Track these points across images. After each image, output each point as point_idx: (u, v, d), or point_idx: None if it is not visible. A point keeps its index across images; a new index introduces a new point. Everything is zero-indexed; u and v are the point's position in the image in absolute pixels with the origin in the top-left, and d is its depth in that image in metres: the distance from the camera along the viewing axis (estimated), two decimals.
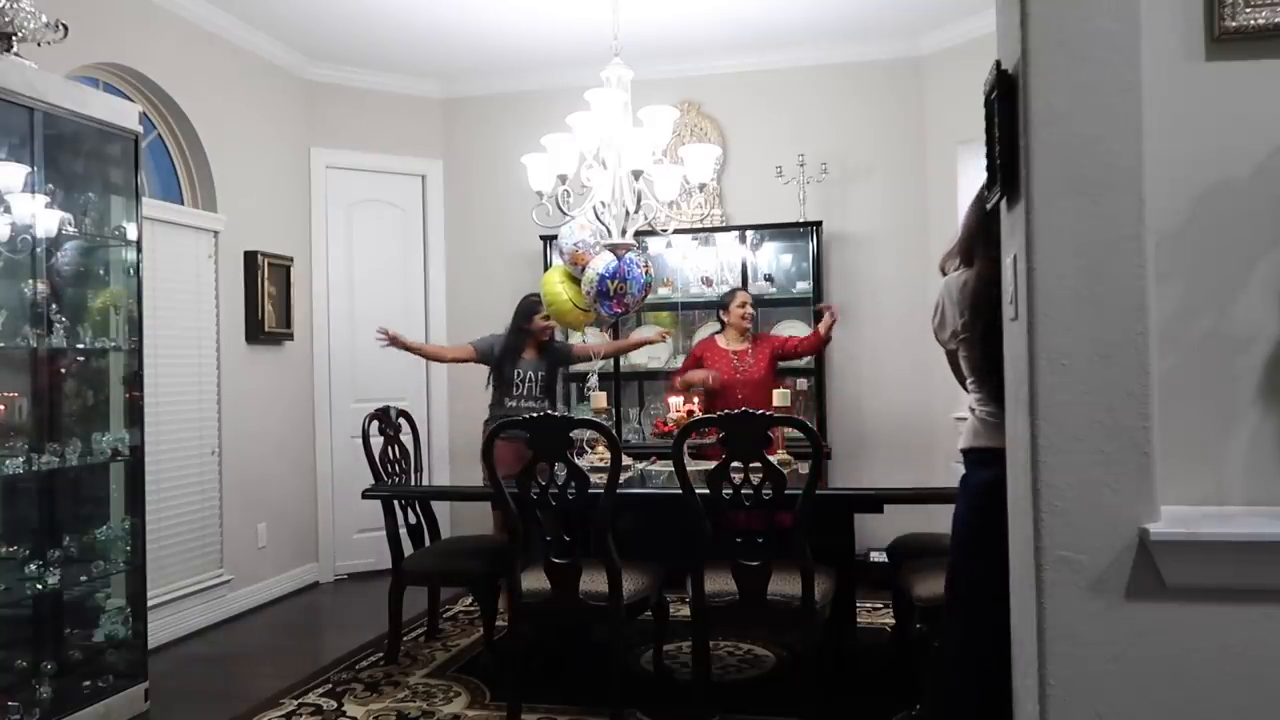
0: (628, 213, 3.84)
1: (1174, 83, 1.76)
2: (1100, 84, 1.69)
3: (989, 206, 2.08)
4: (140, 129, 3.63)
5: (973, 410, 2.33)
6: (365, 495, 3.91)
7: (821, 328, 4.67)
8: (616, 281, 4.00)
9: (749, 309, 4.73)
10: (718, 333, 4.85)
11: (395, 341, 4.54)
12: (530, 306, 4.71)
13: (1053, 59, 1.71)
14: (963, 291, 2.27)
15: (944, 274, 2.41)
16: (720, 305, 4.83)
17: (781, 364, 4.87)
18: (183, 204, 4.77)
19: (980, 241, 2.23)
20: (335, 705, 3.51)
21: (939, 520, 3.15)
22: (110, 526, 3.56)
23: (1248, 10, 1.74)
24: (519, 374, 4.65)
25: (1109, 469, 1.69)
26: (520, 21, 5.01)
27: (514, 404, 4.60)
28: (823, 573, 3.19)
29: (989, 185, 2.01)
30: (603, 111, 3.79)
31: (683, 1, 4.80)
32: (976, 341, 2.23)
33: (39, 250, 3.20)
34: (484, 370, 4.80)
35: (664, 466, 4.06)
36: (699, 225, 5.52)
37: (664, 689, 3.62)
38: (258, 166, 5.20)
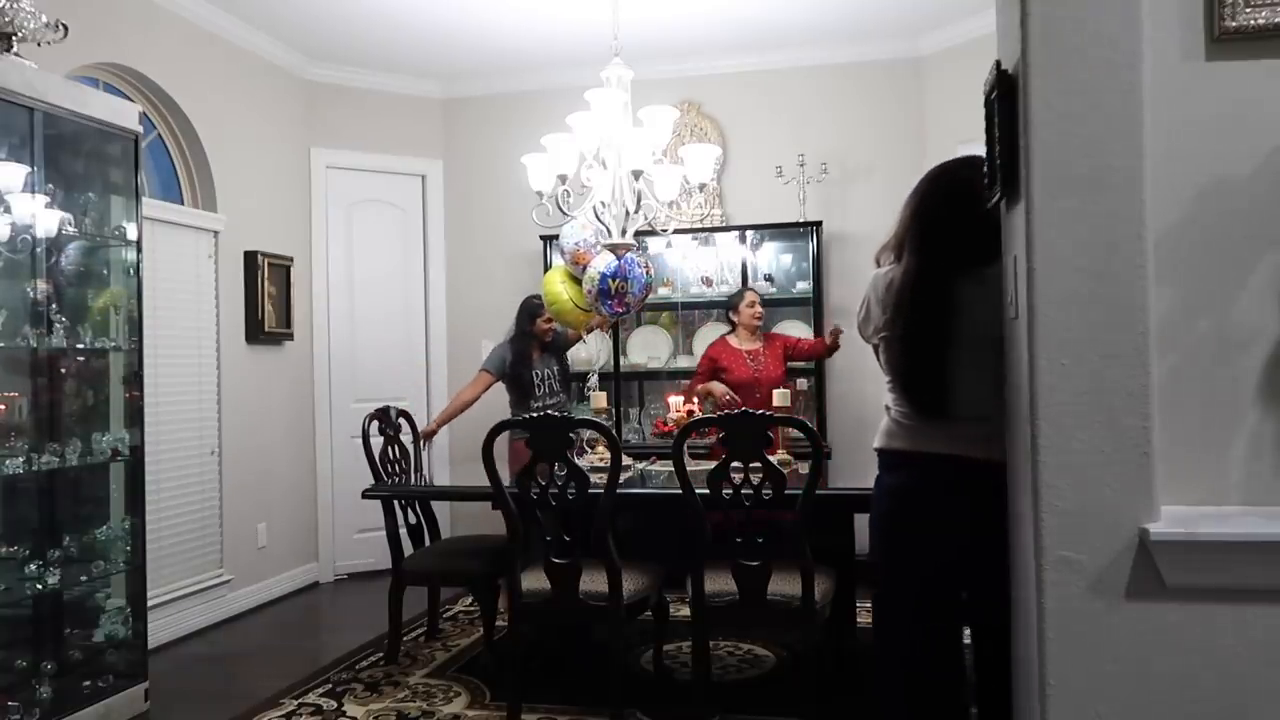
0: (628, 213, 3.84)
1: (1174, 83, 1.76)
2: (1100, 84, 1.69)
3: (989, 206, 2.08)
4: (140, 129, 3.63)
5: (888, 409, 2.27)
6: (365, 495, 3.91)
7: (829, 339, 4.70)
8: (618, 281, 4.00)
9: (758, 308, 4.73)
10: (728, 334, 4.84)
11: (432, 435, 4.70)
12: (533, 309, 4.73)
13: (1053, 59, 1.71)
14: (889, 289, 2.21)
15: (878, 265, 2.36)
16: (729, 306, 4.83)
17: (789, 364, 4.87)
18: (183, 204, 4.77)
19: (911, 239, 2.19)
20: (335, 705, 3.51)
21: None
22: (110, 526, 3.56)
23: (1248, 10, 1.74)
24: (536, 375, 4.69)
25: (1109, 469, 1.69)
26: (520, 21, 5.01)
27: (539, 404, 4.62)
28: (823, 573, 3.19)
29: (989, 185, 2.01)
30: (603, 111, 3.78)
31: (683, 1, 4.80)
32: (896, 340, 2.18)
33: (39, 250, 3.20)
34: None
35: (664, 466, 4.06)
36: (699, 225, 5.52)
37: (664, 689, 3.62)
38: (258, 166, 5.20)
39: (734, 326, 4.78)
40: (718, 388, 4.54)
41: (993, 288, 2.04)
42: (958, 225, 2.11)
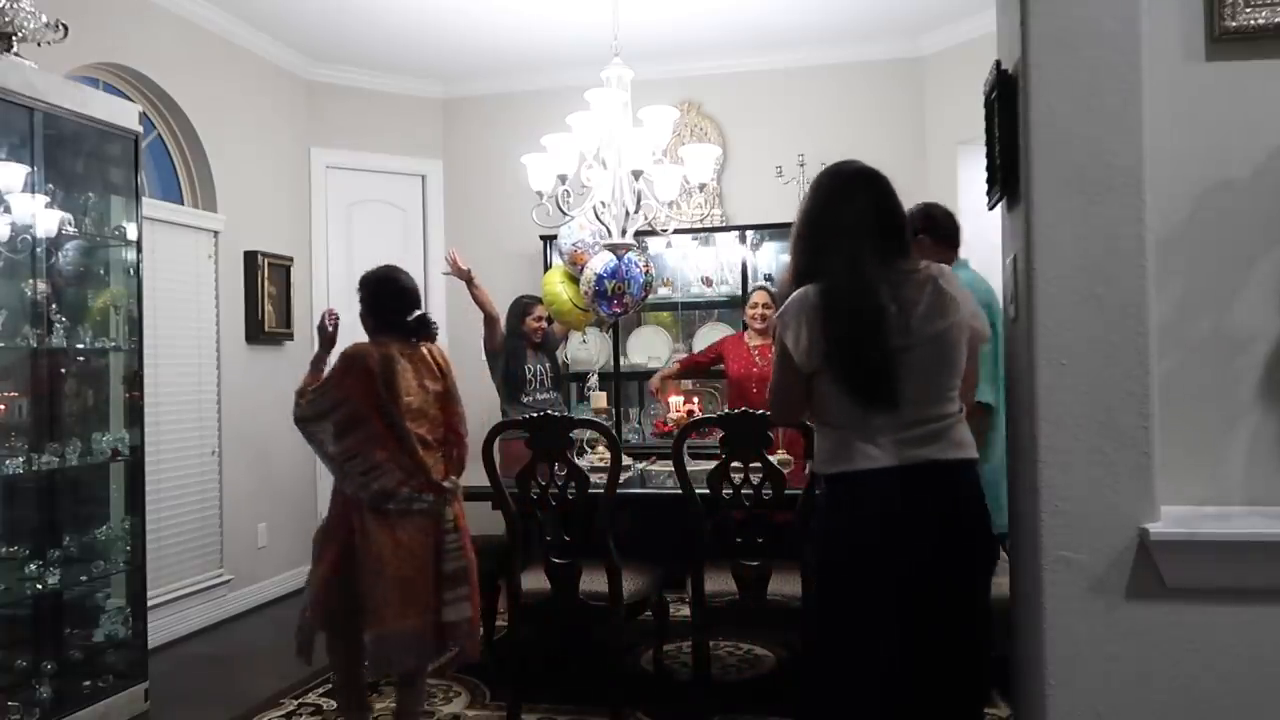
0: (628, 213, 3.84)
1: (1174, 83, 1.77)
2: (1100, 84, 1.69)
3: (990, 207, 2.08)
4: (140, 129, 3.63)
5: (825, 430, 2.09)
6: None
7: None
8: (615, 282, 4.00)
9: (759, 309, 4.71)
10: (744, 330, 4.85)
11: (466, 275, 4.59)
12: (522, 309, 4.75)
13: (1053, 59, 1.71)
14: (812, 303, 2.01)
15: (779, 298, 2.14)
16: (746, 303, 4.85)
17: None
18: (183, 204, 4.77)
19: (823, 244, 2.03)
20: (335, 705, 3.51)
21: None
22: (110, 526, 3.56)
23: (1248, 10, 1.74)
24: (528, 370, 4.71)
25: (1109, 469, 1.69)
26: (520, 22, 5.01)
27: (529, 399, 4.63)
28: None
29: (989, 185, 2.01)
30: (603, 111, 3.79)
31: (683, 2, 4.80)
32: (841, 343, 1.98)
33: (39, 250, 3.20)
34: (481, 368, 4.84)
35: (664, 466, 4.06)
36: (699, 225, 5.52)
37: (664, 689, 3.62)
38: (258, 166, 5.20)
39: (745, 325, 4.80)
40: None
41: (920, 284, 1.97)
42: (868, 218, 2.01)
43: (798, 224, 2.11)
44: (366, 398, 2.79)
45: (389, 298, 2.98)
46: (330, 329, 3.07)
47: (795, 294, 2.06)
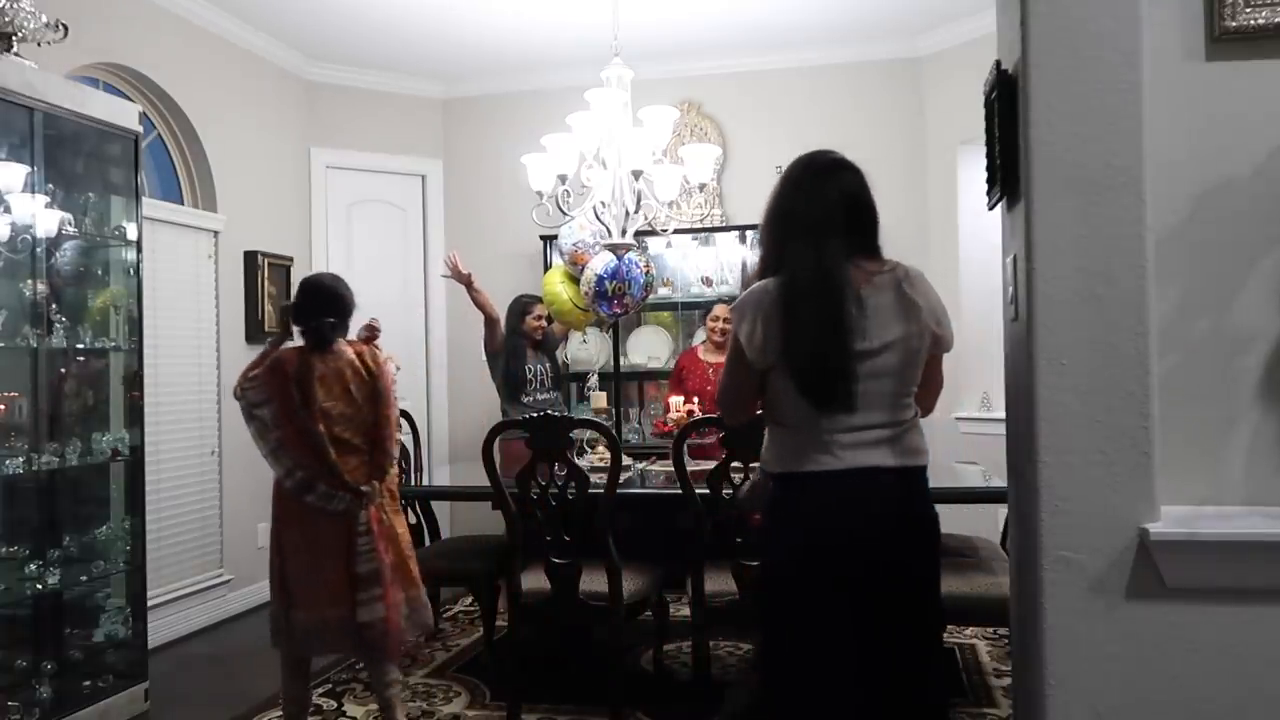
0: (628, 213, 3.84)
1: (1174, 83, 1.76)
2: (1100, 84, 1.69)
3: (990, 207, 2.08)
4: (140, 129, 3.63)
5: (777, 429, 2.05)
6: None
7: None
8: (615, 282, 4.00)
9: (717, 323, 4.69)
10: (701, 343, 4.84)
11: (466, 278, 4.60)
12: (522, 308, 4.76)
13: (1053, 59, 1.71)
14: (771, 296, 1.97)
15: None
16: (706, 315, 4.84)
17: None
18: (183, 204, 4.77)
19: (793, 233, 2.00)
20: (335, 705, 3.51)
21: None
22: (110, 526, 3.56)
23: (1248, 10, 1.74)
24: (529, 369, 4.72)
25: (1109, 469, 1.69)
26: (520, 22, 5.01)
27: (529, 399, 4.63)
28: None
29: (989, 185, 2.01)
30: (603, 111, 3.79)
31: (683, 1, 4.80)
32: (800, 340, 1.94)
33: (39, 250, 3.20)
34: (481, 368, 4.84)
35: (664, 466, 4.06)
36: (699, 225, 5.52)
37: (664, 689, 3.62)
38: (258, 166, 5.20)
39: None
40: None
41: (884, 285, 1.96)
42: (837, 212, 1.99)
43: (765, 214, 2.08)
44: (283, 400, 2.89)
45: (303, 306, 3.05)
46: (284, 319, 3.13)
47: (754, 286, 2.02)
